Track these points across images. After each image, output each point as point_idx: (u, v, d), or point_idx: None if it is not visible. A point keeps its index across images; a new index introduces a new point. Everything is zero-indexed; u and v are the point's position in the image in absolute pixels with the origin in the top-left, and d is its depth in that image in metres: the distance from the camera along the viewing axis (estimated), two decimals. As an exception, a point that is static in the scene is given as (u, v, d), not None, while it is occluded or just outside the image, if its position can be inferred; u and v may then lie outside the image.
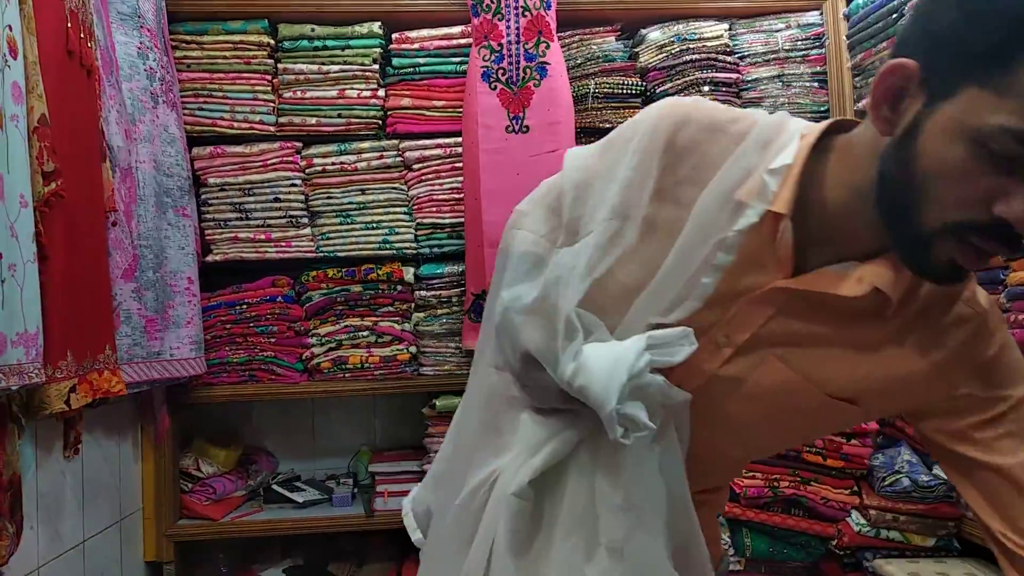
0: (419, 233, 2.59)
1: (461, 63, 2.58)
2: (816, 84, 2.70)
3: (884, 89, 0.78)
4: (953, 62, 0.72)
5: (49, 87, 1.63)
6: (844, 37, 2.64)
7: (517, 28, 2.41)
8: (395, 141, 2.58)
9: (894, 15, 2.37)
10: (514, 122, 2.42)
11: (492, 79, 2.42)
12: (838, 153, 0.87)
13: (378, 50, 2.57)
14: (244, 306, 2.50)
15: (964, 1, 0.71)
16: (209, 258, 2.51)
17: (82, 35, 1.78)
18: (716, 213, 0.86)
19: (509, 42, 2.41)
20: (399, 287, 2.56)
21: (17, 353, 1.43)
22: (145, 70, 2.18)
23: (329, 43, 2.55)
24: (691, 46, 2.64)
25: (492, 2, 2.41)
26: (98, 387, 1.81)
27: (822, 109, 2.70)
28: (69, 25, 1.73)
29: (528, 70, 2.42)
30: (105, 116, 1.94)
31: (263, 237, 2.53)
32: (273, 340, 2.51)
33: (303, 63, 2.55)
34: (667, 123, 0.90)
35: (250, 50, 2.52)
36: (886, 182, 0.78)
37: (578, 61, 2.64)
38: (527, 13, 2.41)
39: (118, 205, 1.97)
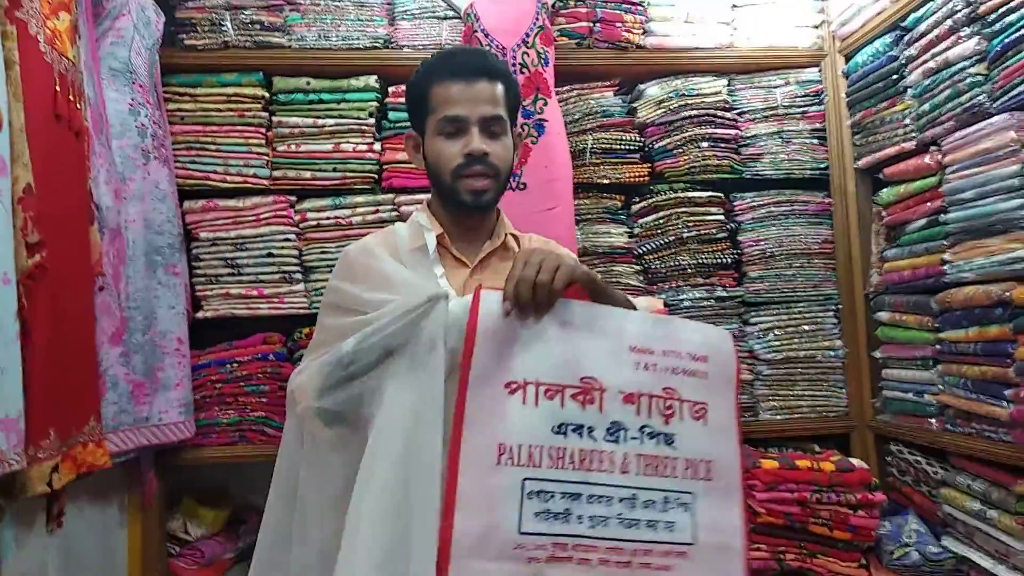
0: (414, 289, 2.54)
1: (458, 117, 2.55)
2: (815, 141, 2.69)
3: (411, 148, 1.48)
4: (416, 116, 1.44)
5: (36, 154, 1.57)
6: (843, 95, 2.64)
7: (515, 85, 2.38)
8: (391, 195, 2.55)
9: (895, 76, 2.36)
10: (512, 179, 2.38)
11: (490, 135, 2.39)
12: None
13: (374, 103, 2.54)
14: (235, 364, 2.44)
15: (407, 97, 1.49)
16: (200, 314, 2.46)
17: (71, 97, 1.74)
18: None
19: (507, 99, 2.38)
20: (393, 344, 2.50)
21: (-3, 439, 1.37)
22: (136, 126, 2.14)
23: (325, 96, 2.52)
24: (689, 102, 2.63)
25: (490, 58, 2.38)
26: (82, 461, 1.74)
27: (822, 166, 2.68)
28: (58, 88, 1.68)
29: (526, 127, 2.39)
30: (94, 177, 1.90)
31: (255, 293, 2.48)
32: (264, 399, 2.45)
33: (298, 116, 2.52)
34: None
35: (244, 103, 2.49)
36: (431, 179, 1.42)
37: (576, 116, 2.62)
38: (525, 70, 2.38)
39: (106, 269, 1.92)
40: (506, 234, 1.46)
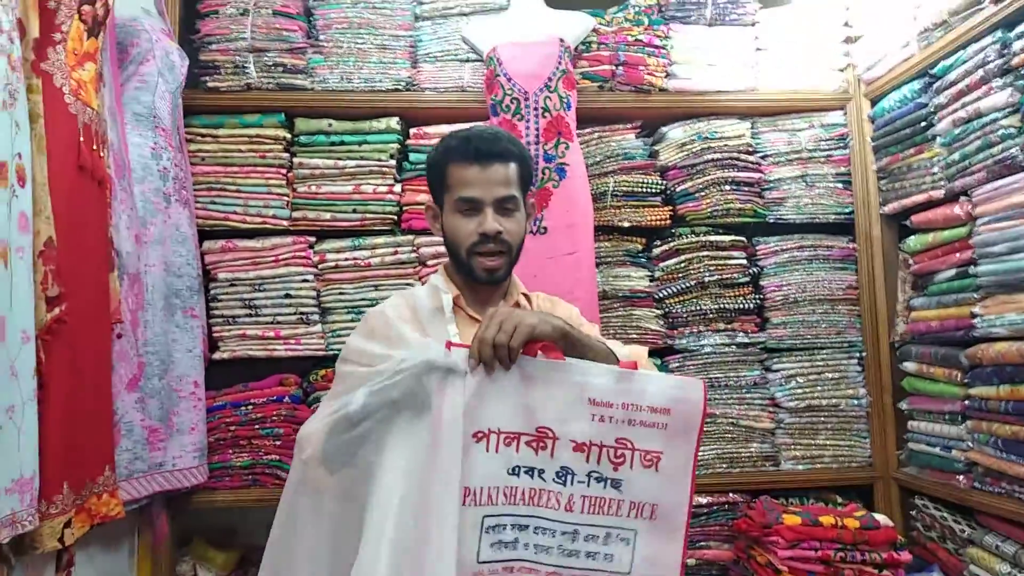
0: (432, 331, 2.53)
1: (479, 159, 2.54)
2: (840, 185, 2.65)
3: (430, 218, 1.59)
4: (435, 190, 1.53)
5: (58, 206, 1.57)
6: (869, 139, 2.60)
7: (537, 129, 2.37)
8: (410, 236, 2.54)
9: (923, 123, 2.32)
10: (532, 223, 2.36)
11: (511, 179, 2.37)
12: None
13: (395, 145, 2.54)
14: (250, 406, 2.42)
15: (427, 172, 1.58)
16: (216, 355, 2.45)
17: (95, 147, 1.74)
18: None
19: (528, 143, 2.37)
20: (410, 387, 2.48)
21: (11, 502, 1.35)
22: (158, 171, 2.14)
23: (346, 138, 2.51)
24: (712, 144, 2.60)
25: (512, 102, 2.37)
26: (95, 513, 1.73)
27: (846, 211, 2.65)
28: (82, 139, 1.68)
29: (547, 171, 2.38)
30: (115, 223, 1.89)
31: (272, 334, 2.47)
32: (278, 443, 2.42)
33: (319, 158, 2.51)
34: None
35: (266, 144, 2.49)
36: (449, 250, 1.52)
37: (597, 158, 2.60)
38: (547, 114, 2.37)
39: (124, 315, 1.91)
40: (518, 295, 1.57)
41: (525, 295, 1.60)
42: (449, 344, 1.25)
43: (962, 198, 2.18)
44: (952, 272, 2.25)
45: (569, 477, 1.25)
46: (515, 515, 1.24)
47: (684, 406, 1.29)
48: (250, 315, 2.47)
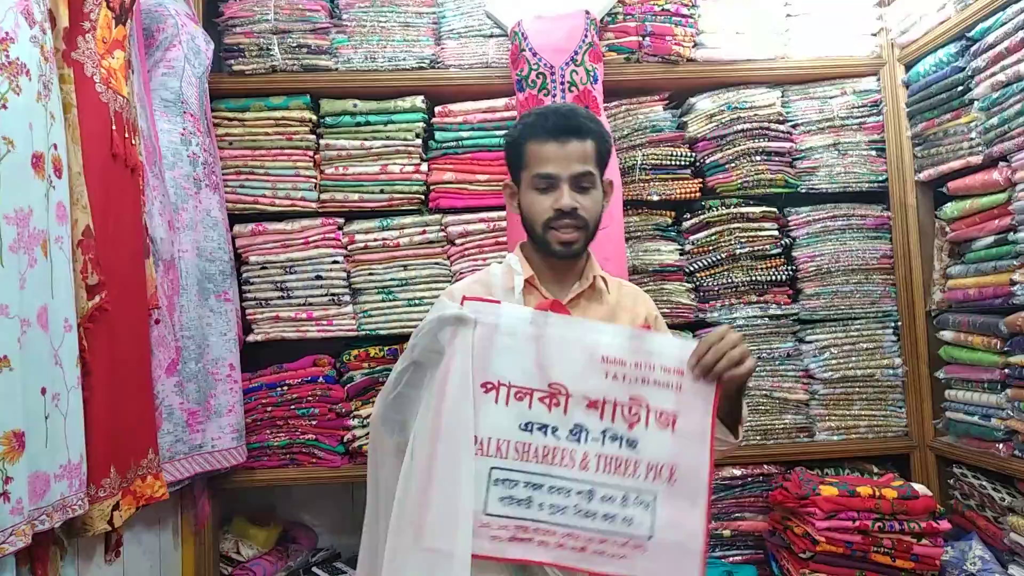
0: (462, 309, 2.53)
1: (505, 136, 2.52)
2: (874, 152, 2.60)
3: (507, 196, 1.58)
4: (513, 168, 1.52)
5: (93, 194, 1.59)
6: (903, 105, 2.54)
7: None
8: (438, 216, 2.53)
9: (959, 87, 2.26)
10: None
11: (538, 155, 2.35)
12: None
13: (421, 124, 2.53)
14: (285, 387, 2.45)
15: (505, 150, 1.56)
16: (250, 338, 2.47)
17: (126, 134, 1.75)
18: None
19: (556, 118, 2.34)
20: (442, 365, 2.49)
21: (61, 487, 1.38)
22: (188, 156, 2.15)
23: (371, 118, 2.51)
24: (742, 115, 2.56)
25: (538, 77, 2.34)
26: (141, 495, 1.77)
27: (880, 179, 2.60)
28: (114, 127, 1.69)
29: (575, 146, 2.34)
30: (149, 210, 1.91)
31: (304, 316, 2.49)
32: (314, 422, 2.46)
33: (345, 139, 2.51)
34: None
35: (292, 126, 2.49)
36: (526, 227, 1.50)
37: (625, 132, 2.57)
38: (574, 88, 2.34)
39: (161, 301, 1.93)
40: (594, 276, 1.54)
41: (603, 278, 1.57)
42: (464, 299, 1.27)
43: (1001, 163, 2.12)
44: (991, 239, 2.20)
45: (583, 434, 1.26)
46: (528, 472, 1.24)
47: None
48: (282, 297, 2.49)
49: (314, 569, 2.58)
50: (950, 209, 2.37)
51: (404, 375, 1.35)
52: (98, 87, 1.65)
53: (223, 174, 2.44)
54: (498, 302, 1.30)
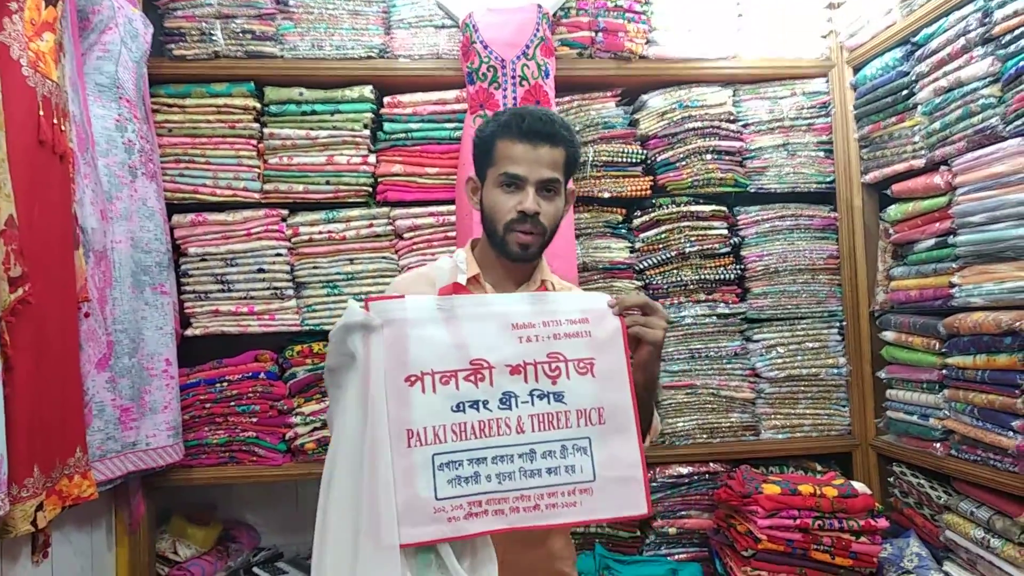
0: (410, 305, 2.49)
1: (455, 129, 2.49)
2: (822, 154, 2.63)
3: (469, 191, 1.56)
4: (479, 163, 1.51)
5: (18, 182, 1.52)
6: (851, 107, 2.57)
7: (515, 98, 2.31)
8: (386, 209, 2.49)
9: (904, 91, 2.30)
10: (511, 195, 2.32)
11: (488, 150, 2.32)
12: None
13: (369, 115, 2.47)
14: (224, 383, 2.38)
15: (475, 144, 1.53)
16: (189, 332, 2.40)
17: (55, 120, 1.67)
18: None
19: (506, 112, 2.31)
20: (388, 362, 2.45)
21: (-25, 489, 1.31)
22: (123, 143, 2.07)
23: (318, 107, 2.45)
24: (693, 113, 2.56)
25: (488, 71, 2.31)
26: (67, 495, 1.70)
27: (828, 180, 2.63)
28: (42, 113, 1.62)
29: (526, 141, 2.32)
30: (79, 199, 1.83)
31: (245, 310, 2.42)
32: (255, 420, 2.39)
33: (290, 128, 2.45)
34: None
35: (235, 114, 2.42)
36: (484, 224, 1.50)
37: (576, 128, 2.55)
38: (525, 82, 2.31)
39: (91, 294, 1.86)
40: (543, 280, 1.55)
41: (552, 283, 1.57)
42: (367, 301, 1.28)
43: (942, 167, 2.16)
44: (931, 242, 2.24)
45: (513, 400, 1.30)
46: (469, 449, 1.27)
47: (597, 313, 1.36)
48: (222, 290, 2.42)
49: (255, 569, 2.52)
50: (894, 211, 2.41)
51: (327, 379, 1.38)
52: (25, 71, 1.57)
53: (162, 162, 2.35)
54: (402, 297, 1.31)
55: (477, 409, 1.28)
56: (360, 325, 1.26)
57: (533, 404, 1.30)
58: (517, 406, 1.30)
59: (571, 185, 1.54)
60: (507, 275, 1.52)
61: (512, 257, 1.47)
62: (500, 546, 1.31)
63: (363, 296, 2.44)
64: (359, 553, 1.21)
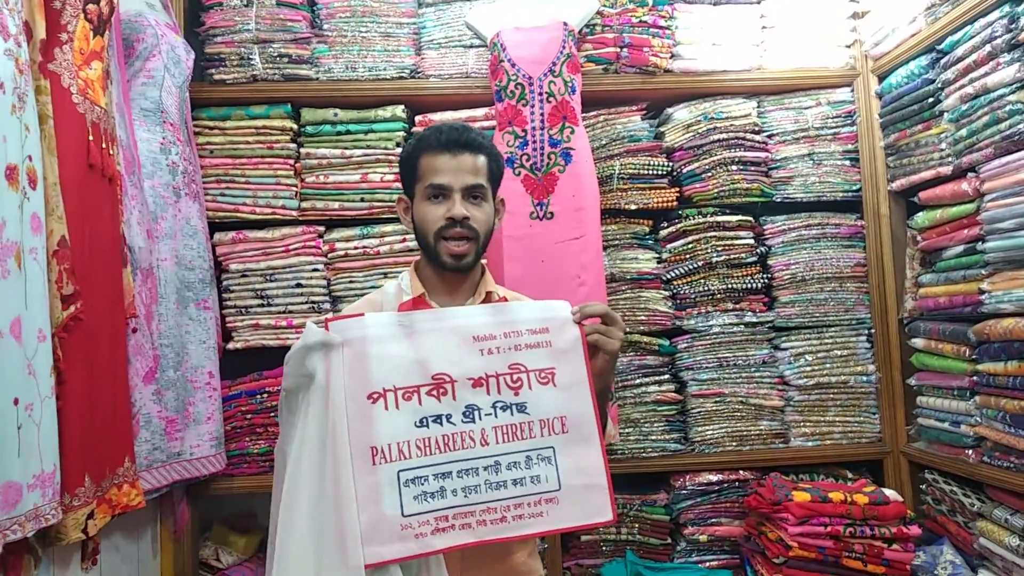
0: (442, 317, 2.55)
1: (484, 145, 2.55)
2: (847, 162, 2.64)
3: (401, 210, 1.60)
4: (407, 182, 1.56)
5: (70, 204, 1.60)
6: (876, 115, 2.58)
7: (542, 114, 2.37)
8: (418, 224, 2.55)
9: (930, 99, 2.31)
10: (538, 208, 2.38)
11: (516, 165, 2.38)
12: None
13: (401, 133, 2.55)
14: (264, 395, 2.46)
15: (400, 165, 1.59)
16: (230, 345, 2.49)
17: (104, 144, 1.76)
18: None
19: (533, 128, 2.37)
20: (421, 373, 2.51)
21: (34, 497, 1.39)
22: (168, 165, 2.17)
23: (352, 127, 2.53)
24: (718, 124, 2.59)
25: (516, 88, 2.37)
26: (116, 503, 1.77)
27: (854, 188, 2.64)
28: (91, 138, 1.70)
29: (553, 156, 2.38)
30: (127, 219, 1.92)
31: (284, 324, 2.50)
32: (294, 429, 2.46)
33: (326, 147, 2.53)
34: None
35: (273, 135, 2.51)
36: (418, 239, 1.53)
37: (603, 141, 2.60)
38: (552, 99, 2.37)
39: (139, 310, 1.94)
40: (488, 292, 1.56)
41: (498, 294, 1.59)
42: (327, 322, 1.30)
43: (970, 174, 2.17)
44: (960, 248, 2.24)
45: (476, 413, 1.31)
46: (434, 464, 1.27)
47: (557, 322, 1.37)
48: (262, 305, 2.51)
49: None
50: (921, 219, 2.41)
51: (281, 404, 1.38)
52: (75, 98, 1.66)
53: (204, 182, 2.45)
54: (361, 314, 1.32)
55: (440, 423, 1.29)
56: (320, 344, 1.27)
57: (496, 416, 1.31)
58: (481, 419, 1.30)
59: (500, 195, 1.57)
60: (450, 290, 1.54)
61: (447, 267, 1.48)
62: (458, 564, 1.32)
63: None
64: None
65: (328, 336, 1.27)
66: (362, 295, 2.52)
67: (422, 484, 1.26)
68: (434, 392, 1.30)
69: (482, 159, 1.50)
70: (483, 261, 1.58)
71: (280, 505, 1.28)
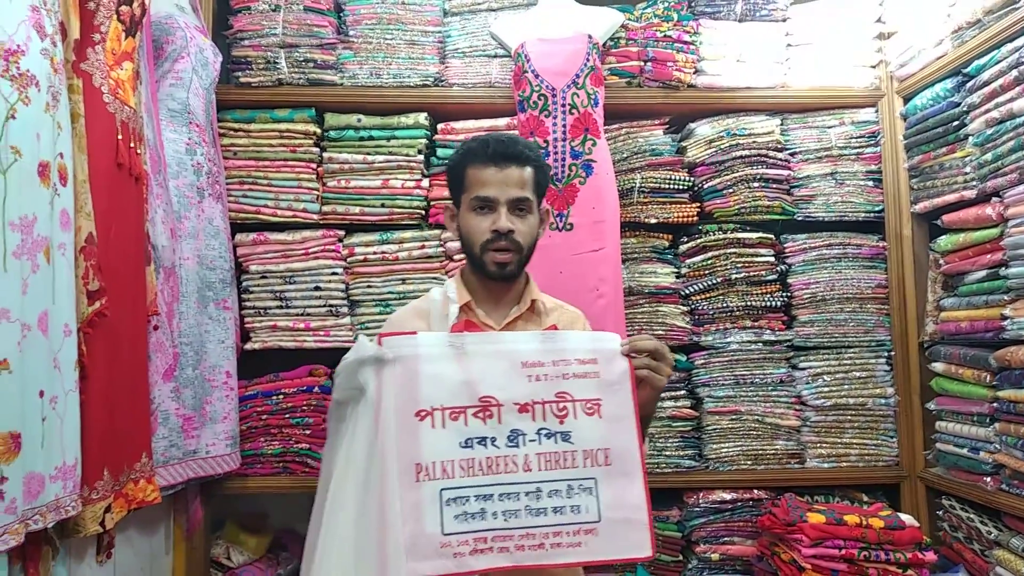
0: (459, 325, 2.55)
1: (506, 155, 2.55)
2: (870, 183, 2.63)
3: (448, 218, 1.62)
4: (453, 191, 1.58)
5: (98, 202, 1.62)
6: (901, 137, 2.57)
7: (564, 125, 2.38)
8: (437, 231, 2.56)
9: (955, 122, 2.29)
10: (558, 219, 2.38)
11: (538, 175, 2.38)
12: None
13: (423, 141, 2.56)
14: (280, 396, 2.48)
15: (447, 174, 1.62)
16: (248, 346, 2.50)
17: (132, 144, 1.78)
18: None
19: (555, 139, 2.38)
20: (437, 380, 2.52)
21: (55, 489, 1.41)
22: (193, 165, 2.19)
23: (375, 133, 2.54)
24: (741, 141, 2.59)
25: (539, 99, 2.38)
26: (133, 498, 1.79)
27: (877, 209, 2.62)
28: (120, 137, 1.73)
29: (574, 167, 2.38)
30: (151, 218, 1.94)
31: (302, 326, 2.51)
32: (308, 432, 2.48)
33: (348, 152, 2.55)
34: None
35: (296, 138, 2.53)
36: (464, 249, 1.56)
37: (624, 155, 2.60)
38: (574, 111, 2.38)
39: (160, 308, 1.96)
40: (532, 300, 1.59)
41: (543, 303, 1.62)
42: (380, 337, 1.33)
43: (994, 199, 2.15)
44: (983, 273, 2.22)
45: (520, 438, 1.32)
46: (477, 485, 1.29)
47: (607, 354, 1.38)
48: (281, 307, 2.53)
49: (303, 578, 2.59)
50: (944, 242, 2.39)
51: (331, 413, 1.41)
52: (106, 98, 1.69)
53: (227, 184, 2.47)
54: (414, 333, 1.35)
55: (485, 446, 1.31)
56: (373, 359, 1.31)
57: (540, 443, 1.32)
58: (525, 444, 1.32)
59: (545, 205, 1.59)
60: (495, 298, 1.57)
61: (491, 276, 1.52)
62: None
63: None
64: None
65: (380, 351, 1.31)
66: (382, 300, 2.56)
67: (463, 504, 1.28)
68: (480, 414, 1.32)
69: (528, 171, 1.52)
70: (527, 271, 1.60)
71: (324, 511, 1.32)
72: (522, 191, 1.50)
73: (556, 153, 2.38)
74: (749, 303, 2.58)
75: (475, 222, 1.51)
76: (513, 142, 1.53)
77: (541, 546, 1.29)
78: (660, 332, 2.57)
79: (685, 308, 2.61)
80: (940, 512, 2.43)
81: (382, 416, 1.28)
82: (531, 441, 1.32)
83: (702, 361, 2.59)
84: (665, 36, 2.58)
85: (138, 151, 1.82)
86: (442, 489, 1.27)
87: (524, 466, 1.31)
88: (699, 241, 2.60)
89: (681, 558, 2.53)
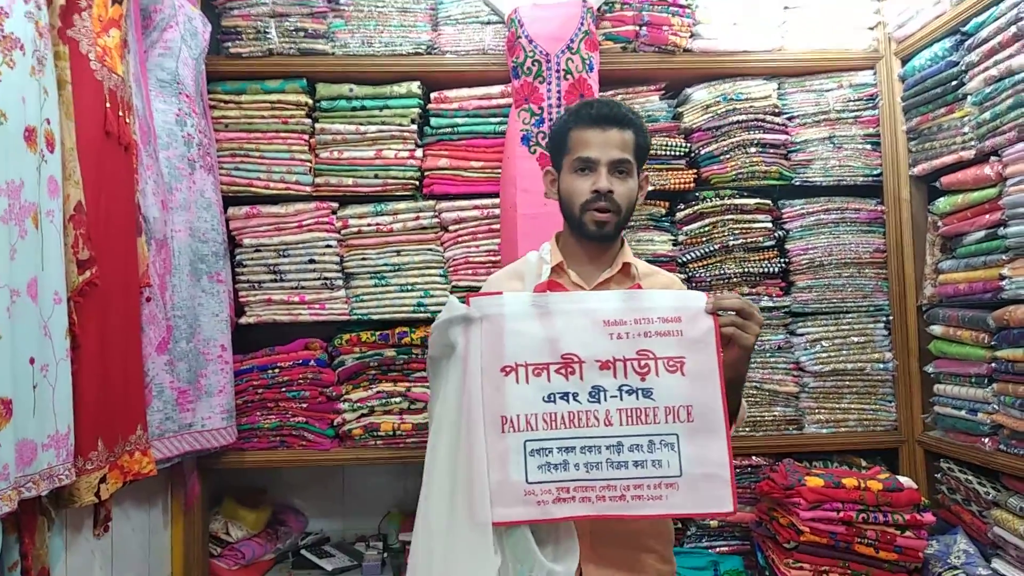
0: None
1: (500, 123, 2.53)
2: (868, 146, 2.61)
3: (548, 182, 1.65)
4: (555, 154, 1.61)
5: (86, 170, 1.60)
6: (899, 99, 2.55)
7: (559, 91, 2.35)
8: (432, 202, 2.54)
9: (954, 82, 2.27)
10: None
11: (532, 143, 2.36)
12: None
13: (416, 110, 2.53)
14: (276, 370, 2.46)
15: (550, 138, 1.67)
16: (242, 320, 2.49)
17: (121, 112, 1.76)
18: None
19: (550, 105, 2.35)
20: (434, 351, 2.51)
21: (48, 457, 1.40)
22: (183, 136, 2.16)
23: (367, 103, 2.51)
24: (738, 106, 2.56)
25: (533, 65, 2.35)
26: (128, 470, 1.78)
27: (875, 173, 2.60)
28: (108, 105, 1.70)
29: (570, 134, 2.35)
30: (142, 189, 1.92)
31: (296, 299, 2.50)
32: (305, 405, 2.47)
33: (340, 123, 2.52)
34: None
35: (288, 109, 2.50)
36: (563, 210, 1.59)
37: (620, 121, 2.57)
38: (569, 76, 2.35)
39: (152, 279, 1.94)
40: (624, 263, 1.60)
41: (636, 266, 1.64)
42: (468, 298, 1.38)
43: (992, 158, 2.13)
44: (981, 234, 2.21)
45: (602, 394, 1.36)
46: (559, 438, 1.34)
47: (690, 312, 1.38)
48: (275, 280, 2.51)
49: (303, 552, 2.59)
50: (943, 204, 2.38)
51: (429, 369, 1.49)
52: (93, 65, 1.66)
53: (218, 156, 2.45)
54: (500, 293, 1.40)
55: (567, 400, 1.36)
56: (461, 318, 1.37)
57: (622, 399, 1.35)
58: (606, 400, 1.35)
59: (645, 172, 1.61)
60: (589, 260, 1.59)
61: (590, 236, 1.54)
62: (588, 539, 1.40)
63: (410, 286, 2.51)
64: (455, 529, 1.32)
65: (468, 311, 1.37)
66: (376, 273, 2.54)
67: (546, 455, 1.34)
68: (562, 371, 1.36)
69: (629, 134, 1.53)
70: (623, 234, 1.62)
71: (427, 461, 1.41)
72: (623, 153, 1.52)
73: (551, 119, 2.35)
74: (747, 269, 2.57)
75: (576, 183, 1.53)
76: (616, 105, 1.56)
77: (622, 498, 1.33)
78: (657, 300, 2.56)
79: (682, 276, 2.59)
80: (938, 475, 2.44)
81: (469, 371, 1.35)
82: (612, 397, 1.36)
83: (700, 329, 2.57)
84: (660, 0, 2.54)
85: (126, 120, 1.79)
86: (526, 440, 1.33)
87: (605, 421, 1.35)
88: (696, 208, 2.58)
89: (680, 525, 2.54)
